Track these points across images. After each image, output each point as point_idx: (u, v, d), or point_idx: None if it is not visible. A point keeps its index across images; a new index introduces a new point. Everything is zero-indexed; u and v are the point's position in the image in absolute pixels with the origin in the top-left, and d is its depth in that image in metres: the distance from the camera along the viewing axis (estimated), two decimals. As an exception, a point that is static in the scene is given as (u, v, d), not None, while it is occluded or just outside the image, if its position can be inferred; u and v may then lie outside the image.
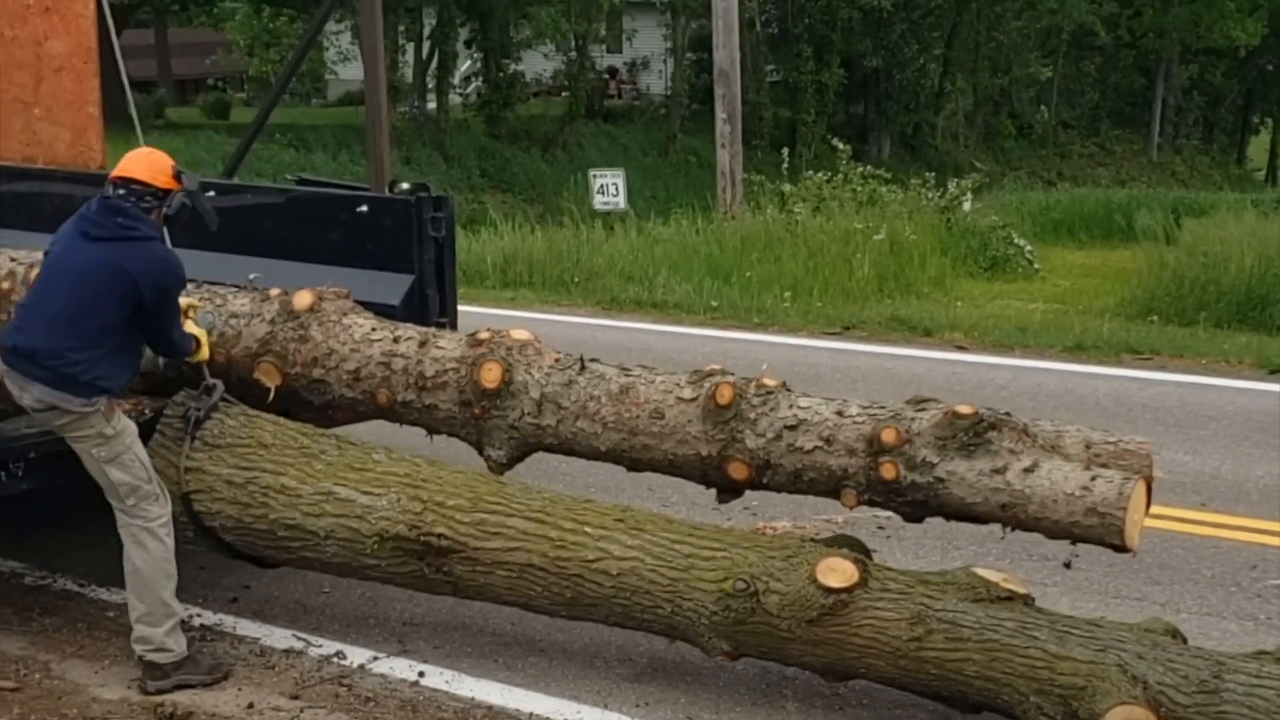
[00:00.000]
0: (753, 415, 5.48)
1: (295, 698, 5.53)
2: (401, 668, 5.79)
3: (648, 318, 12.75)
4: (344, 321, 6.20)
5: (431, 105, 41.27)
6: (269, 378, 6.14)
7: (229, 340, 6.19)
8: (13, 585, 6.73)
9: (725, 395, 5.50)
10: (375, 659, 5.86)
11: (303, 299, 6.22)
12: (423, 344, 6.07)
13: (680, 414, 5.60)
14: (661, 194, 32.67)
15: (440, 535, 5.54)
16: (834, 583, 5.02)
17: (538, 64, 44.40)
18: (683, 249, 15.59)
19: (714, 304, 12.93)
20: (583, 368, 5.81)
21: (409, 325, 6.28)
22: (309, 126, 36.89)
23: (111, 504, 5.55)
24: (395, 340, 6.11)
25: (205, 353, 5.94)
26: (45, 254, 5.66)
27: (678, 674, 5.67)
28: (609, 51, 48.57)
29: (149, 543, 5.52)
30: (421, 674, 5.72)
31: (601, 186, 19.59)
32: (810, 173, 19.22)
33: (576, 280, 14.17)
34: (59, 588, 6.56)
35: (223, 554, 6.07)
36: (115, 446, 5.49)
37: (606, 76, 48.31)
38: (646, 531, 5.42)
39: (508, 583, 5.52)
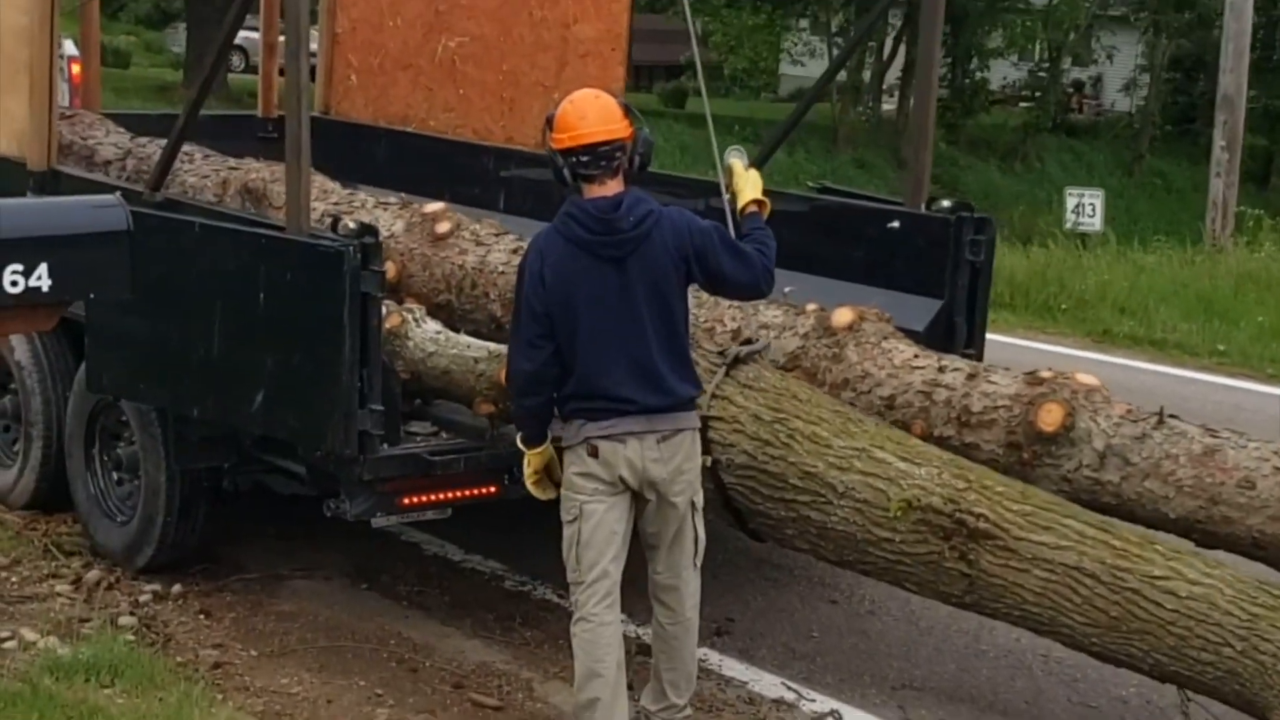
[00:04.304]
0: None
1: (791, 757, 5.13)
2: (905, 738, 5.30)
3: (1144, 355, 11.83)
4: (883, 345, 5.83)
5: (887, 107, 40.78)
6: (794, 394, 5.78)
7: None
8: (494, 589, 6.55)
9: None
10: (874, 724, 5.40)
11: (843, 316, 5.89)
12: (971, 376, 5.61)
13: (1278, 486, 4.96)
14: (1123, 217, 31.15)
15: (980, 515, 5.01)
16: None
17: (997, 72, 43.28)
18: (1171, 281, 14.50)
19: (1220, 348, 11.93)
20: (1160, 421, 5.24)
21: (954, 356, 5.86)
22: (763, 121, 36.91)
23: (679, 573, 5.02)
24: (940, 370, 5.68)
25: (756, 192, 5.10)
26: (539, 286, 4.74)
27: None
28: (1074, 64, 46.93)
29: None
30: (928, 751, 5.24)
31: (1078, 205, 18.60)
32: (1303, 208, 17.77)
33: (1064, 307, 13.33)
34: (538, 596, 6.35)
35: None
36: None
37: (1071, 90, 46.76)
38: (1226, 568, 4.90)
39: (1041, 587, 4.94)
